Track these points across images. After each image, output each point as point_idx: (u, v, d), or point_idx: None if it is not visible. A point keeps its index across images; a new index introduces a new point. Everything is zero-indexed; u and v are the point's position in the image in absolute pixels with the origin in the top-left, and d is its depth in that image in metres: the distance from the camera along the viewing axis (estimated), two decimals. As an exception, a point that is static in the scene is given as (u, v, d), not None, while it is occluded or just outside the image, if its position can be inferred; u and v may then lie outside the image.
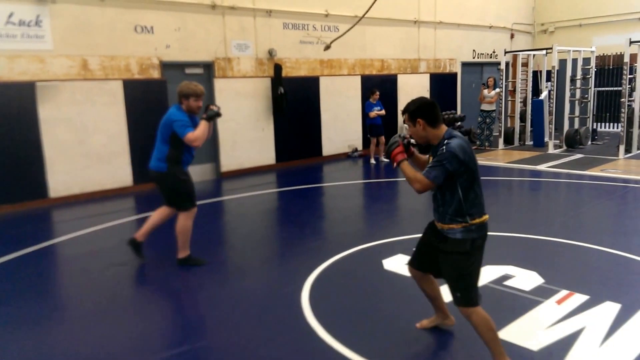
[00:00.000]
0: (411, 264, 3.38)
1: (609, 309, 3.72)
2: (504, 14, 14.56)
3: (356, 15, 10.36)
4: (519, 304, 3.87)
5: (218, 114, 4.64)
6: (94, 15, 7.90)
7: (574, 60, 11.46)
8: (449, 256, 2.95)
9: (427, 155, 3.11)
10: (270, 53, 9.97)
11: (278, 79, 10.00)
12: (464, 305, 2.92)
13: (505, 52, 12.01)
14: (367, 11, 8.58)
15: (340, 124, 11.34)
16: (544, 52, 12.20)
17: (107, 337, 3.60)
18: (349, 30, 9.12)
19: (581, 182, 8.19)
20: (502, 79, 11.98)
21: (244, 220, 6.80)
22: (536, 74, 13.40)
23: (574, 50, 11.35)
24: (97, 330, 3.71)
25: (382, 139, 10.50)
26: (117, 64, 8.21)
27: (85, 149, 8.00)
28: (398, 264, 4.74)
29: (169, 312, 4.13)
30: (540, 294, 4.01)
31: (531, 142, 12.19)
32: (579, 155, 10.41)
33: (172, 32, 8.73)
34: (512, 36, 14.88)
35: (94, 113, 8.03)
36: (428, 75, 12.91)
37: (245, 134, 9.89)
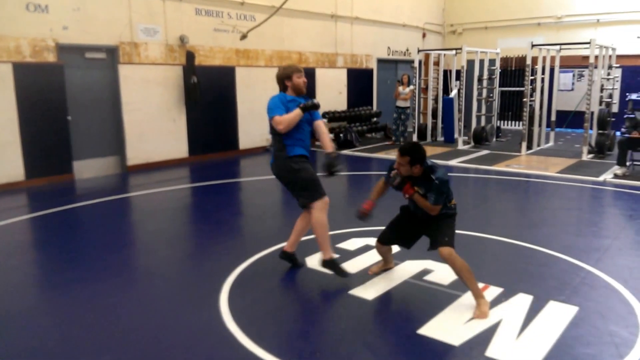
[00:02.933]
0: (381, 241, 4.17)
1: (523, 301, 3.82)
2: (416, 14, 14.97)
3: (273, 5, 10.13)
4: (438, 299, 3.87)
5: (315, 105, 4.23)
6: (-23, -13, 7.02)
7: (481, 61, 11.99)
8: (442, 220, 3.81)
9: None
10: (182, 40, 9.45)
11: (191, 67, 9.51)
12: (451, 246, 3.68)
13: (419, 51, 12.31)
14: (285, 1, 8.36)
15: (258, 116, 11.01)
16: (454, 52, 12.66)
17: (-12, 355, 3.12)
18: (266, 20, 8.88)
19: (489, 177, 8.55)
20: (415, 77, 12.27)
21: (153, 219, 6.30)
22: (446, 73, 13.91)
23: (481, 52, 11.86)
24: (-24, 347, 3.21)
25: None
26: (5, 44, 7.34)
27: (-34, 138, 7.11)
28: (317, 261, 4.59)
29: (69, 323, 3.68)
30: (458, 288, 4.02)
31: (442, 138, 12.63)
32: (485, 152, 10.91)
33: (70, 12, 7.97)
34: (424, 35, 15.34)
35: (-23, 98, 7.15)
36: (345, 70, 12.95)
37: (154, 125, 9.31)
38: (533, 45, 10.26)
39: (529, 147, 10.83)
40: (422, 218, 3.89)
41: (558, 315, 3.60)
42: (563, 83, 13.87)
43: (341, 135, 11.67)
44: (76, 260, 4.74)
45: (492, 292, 3.95)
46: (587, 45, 10.73)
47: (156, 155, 9.40)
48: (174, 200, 7.22)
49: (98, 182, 8.20)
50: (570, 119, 14.49)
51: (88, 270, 4.48)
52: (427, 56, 13.33)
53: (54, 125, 7.96)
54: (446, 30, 16.25)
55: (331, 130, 12.12)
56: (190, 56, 9.49)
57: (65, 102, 8.03)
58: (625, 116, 10.66)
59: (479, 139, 11.71)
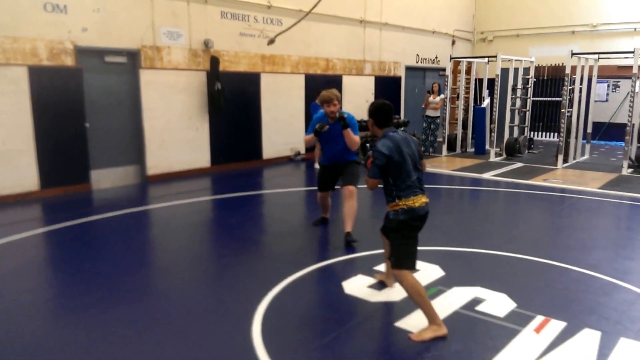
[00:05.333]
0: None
1: (590, 338, 3.36)
2: (446, 20, 14.53)
3: (300, 9, 9.81)
4: (496, 334, 3.43)
5: (318, 132, 5.12)
6: (-6, -12, 6.77)
7: (514, 70, 11.50)
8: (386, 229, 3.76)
9: None
10: (206, 44, 9.16)
11: (215, 73, 9.20)
12: (396, 268, 3.47)
13: (451, 58, 11.86)
14: (315, 5, 8.01)
15: (283, 125, 10.70)
16: (486, 60, 12.18)
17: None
18: (295, 24, 8.53)
19: (527, 192, 8.05)
20: (446, 85, 11.82)
21: (174, 235, 5.85)
22: (476, 82, 13.43)
23: (515, 60, 11.37)
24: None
25: (327, 142, 9.98)
26: (20, 46, 7.04)
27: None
28: (360, 286, 4.18)
29: (84, 353, 3.31)
30: (516, 321, 3.59)
31: (472, 150, 12.14)
32: (519, 164, 10.40)
33: (90, 13, 7.68)
34: (453, 42, 14.88)
35: (-9, 103, 6.89)
36: (373, 77, 12.55)
37: (176, 133, 9.00)
38: (573, 54, 9.74)
39: (565, 160, 10.29)
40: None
41: (634, 356, 3.14)
42: (597, 94, 13.27)
43: (368, 144, 11.24)
44: (93, 281, 4.38)
45: (554, 326, 3.50)
46: (624, 55, 10.22)
47: (177, 164, 9.09)
48: (196, 214, 6.84)
49: (116, 193, 7.88)
50: (604, 131, 13.89)
51: (106, 293, 4.11)
52: (456, 64, 12.87)
53: (71, 132, 7.64)
54: (476, 37, 15.77)
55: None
56: (214, 61, 9.19)
57: (83, 108, 7.73)
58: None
59: (512, 150, 11.20)
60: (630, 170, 9.40)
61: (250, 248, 5.37)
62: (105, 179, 8.21)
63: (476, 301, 3.92)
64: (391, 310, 3.80)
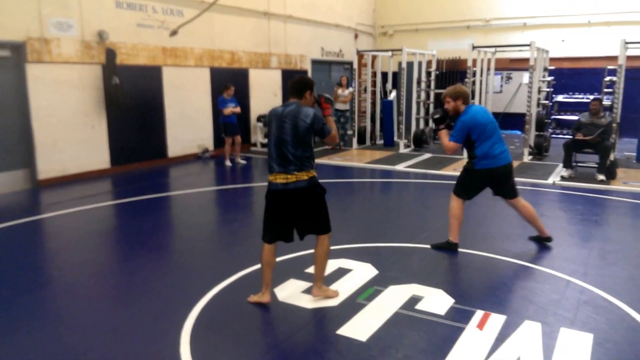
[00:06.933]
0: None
1: (532, 330, 3.36)
2: (348, 14, 14.58)
3: (202, 0, 9.24)
4: (441, 334, 3.32)
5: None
6: None
7: (414, 63, 11.76)
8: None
9: None
10: (101, 35, 8.32)
11: (111, 66, 8.39)
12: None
13: (358, 52, 11.87)
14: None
15: (188, 121, 10.07)
16: (390, 53, 12.36)
17: None
18: (199, 15, 7.98)
19: (441, 183, 8.21)
20: (354, 79, 11.82)
21: (74, 247, 5.20)
22: (382, 75, 13.62)
23: (419, 53, 11.64)
24: None
25: (239, 138, 9.54)
26: None
27: None
28: (294, 292, 3.90)
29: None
30: (458, 318, 3.52)
31: (382, 142, 12.29)
32: (427, 155, 10.66)
33: (-37, 0, 6.65)
34: (356, 36, 14.99)
35: None
36: (280, 71, 12.24)
37: (70, 132, 8.10)
38: (474, 47, 10.13)
39: (470, 150, 10.70)
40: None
41: (577, 346, 3.17)
42: (493, 85, 14.05)
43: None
44: None
45: (495, 321, 3.46)
46: (518, 48, 10.84)
47: (73, 166, 8.19)
48: (99, 222, 6.15)
49: (2, 201, 6.91)
50: (500, 120, 14.75)
51: (-4, 322, 3.47)
52: (360, 57, 12.94)
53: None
54: (377, 31, 16.02)
55: (269, 135, 11.35)
56: (110, 54, 8.37)
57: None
58: (552, 117, 10.83)
59: (420, 142, 11.45)
60: (530, 157, 9.97)
61: (165, 258, 4.88)
62: (-13, 186, 7.16)
63: (414, 299, 3.80)
64: (331, 317, 3.56)
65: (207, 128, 10.49)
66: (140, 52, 9.02)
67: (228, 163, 9.55)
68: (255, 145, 11.52)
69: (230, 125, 9.38)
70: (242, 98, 10.73)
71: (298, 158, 3.48)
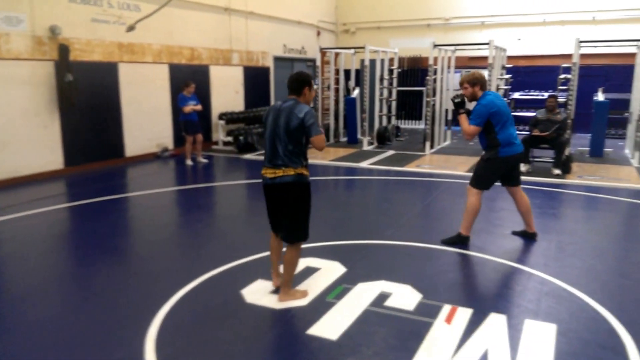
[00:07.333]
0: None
1: (498, 322, 3.40)
2: (310, 11, 14.54)
3: (161, -6, 9.00)
4: (411, 329, 3.32)
5: None
6: None
7: (376, 61, 11.83)
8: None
9: None
10: (53, 31, 7.98)
11: (64, 63, 8.06)
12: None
13: (320, 49, 11.83)
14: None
15: (147, 119, 9.79)
16: (353, 51, 12.39)
17: None
18: (158, 9, 7.76)
19: (405, 179, 8.29)
20: (317, 76, 11.79)
21: (26, 253, 4.91)
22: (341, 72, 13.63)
23: (382, 51, 11.70)
24: None
25: (200, 137, 9.34)
26: None
27: None
28: (262, 293, 3.82)
29: None
30: (426, 313, 3.53)
31: (345, 139, 12.31)
32: (391, 152, 10.74)
33: None
34: (318, 33, 14.96)
35: None
36: (241, 68, 12.08)
37: (20, 132, 7.74)
38: (435, 46, 10.25)
39: (432, 146, 10.86)
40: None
41: (541, 336, 3.22)
42: (453, 83, 14.29)
43: (241, 137, 10.80)
44: None
45: (463, 314, 3.49)
46: (477, 47, 11.04)
47: (24, 168, 7.83)
48: (53, 226, 5.85)
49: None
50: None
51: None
52: (323, 54, 12.92)
53: None
54: (339, 29, 16.04)
55: (229, 133, 11.22)
56: (63, 50, 8.04)
57: None
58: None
59: (383, 139, 11.56)
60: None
61: (126, 262, 4.71)
62: None
63: (383, 296, 3.79)
64: (300, 317, 3.51)
65: (166, 126, 10.24)
66: (96, 48, 8.71)
67: (189, 162, 9.35)
68: (217, 143, 11.32)
69: (191, 123, 9.17)
70: (203, 95, 10.54)
71: (288, 153, 3.49)
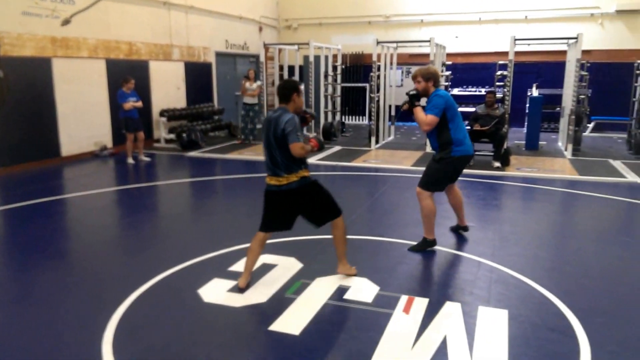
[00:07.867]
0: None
1: (453, 310, 3.52)
2: (252, 6, 14.37)
3: (97, -14, 8.62)
4: (371, 320, 3.37)
5: None
6: None
7: (321, 57, 11.88)
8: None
9: None
10: (-21, 23, 7.46)
11: (-7, 57, 7.56)
12: None
13: (264, 45, 11.73)
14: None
15: (84, 116, 9.35)
16: (297, 47, 12.37)
17: None
18: (95, 3, 7.41)
19: (353, 174, 8.38)
20: (263, 72, 11.68)
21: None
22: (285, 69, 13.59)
23: (325, 47, 11.75)
24: None
25: (141, 134, 9.03)
26: None
27: None
28: (219, 292, 3.75)
29: None
30: (384, 304, 3.59)
31: (290, 136, 12.27)
32: (337, 147, 10.82)
33: None
34: (260, 29, 14.82)
35: None
36: (182, 63, 11.77)
37: (-56, 131, 7.19)
38: (378, 42, 10.41)
39: (377, 142, 11.04)
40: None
41: (495, 322, 3.36)
42: (395, 79, 14.59)
43: (184, 135, 10.54)
44: None
45: (419, 304, 3.58)
46: (418, 44, 11.34)
47: (-51, 169, 7.29)
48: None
49: None
50: (401, 113, 15.32)
51: None
52: (266, 50, 12.83)
53: None
54: (281, 25, 15.96)
55: (172, 130, 10.91)
56: (-10, 43, 7.53)
57: None
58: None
59: (328, 135, 11.61)
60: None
61: (71, 266, 4.49)
62: None
63: (342, 289, 3.82)
64: (261, 314, 3.47)
65: (104, 124, 9.83)
66: (27, 43, 8.21)
67: (130, 161, 9.01)
68: (158, 141, 10.99)
69: (131, 120, 8.84)
70: (143, 91, 10.17)
71: (285, 160, 3.62)
